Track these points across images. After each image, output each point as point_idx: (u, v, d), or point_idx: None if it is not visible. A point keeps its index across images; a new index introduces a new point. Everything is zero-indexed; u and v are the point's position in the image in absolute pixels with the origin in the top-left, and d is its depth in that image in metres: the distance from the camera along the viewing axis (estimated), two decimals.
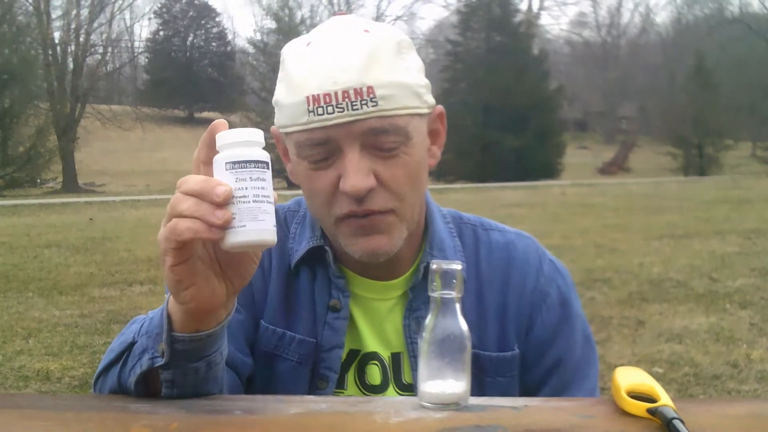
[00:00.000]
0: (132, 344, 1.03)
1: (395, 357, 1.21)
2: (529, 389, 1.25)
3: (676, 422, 0.86)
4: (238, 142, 0.88)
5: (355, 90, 1.05)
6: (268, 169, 0.89)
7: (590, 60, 57.18)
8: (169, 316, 0.97)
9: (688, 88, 39.85)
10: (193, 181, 0.88)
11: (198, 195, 0.86)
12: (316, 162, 1.11)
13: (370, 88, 1.06)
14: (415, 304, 1.21)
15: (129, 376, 1.01)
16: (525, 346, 1.24)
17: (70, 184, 28.43)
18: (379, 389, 1.21)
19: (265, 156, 0.89)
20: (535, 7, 57.02)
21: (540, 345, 1.24)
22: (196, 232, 0.86)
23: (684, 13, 63.06)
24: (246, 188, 0.86)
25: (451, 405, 0.94)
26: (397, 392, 1.21)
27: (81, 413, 0.96)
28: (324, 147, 1.09)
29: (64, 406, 1.00)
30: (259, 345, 1.20)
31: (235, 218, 0.86)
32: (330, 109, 1.06)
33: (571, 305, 1.27)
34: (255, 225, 0.86)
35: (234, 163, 0.87)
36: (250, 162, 0.87)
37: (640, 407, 0.92)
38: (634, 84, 53.99)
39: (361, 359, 1.21)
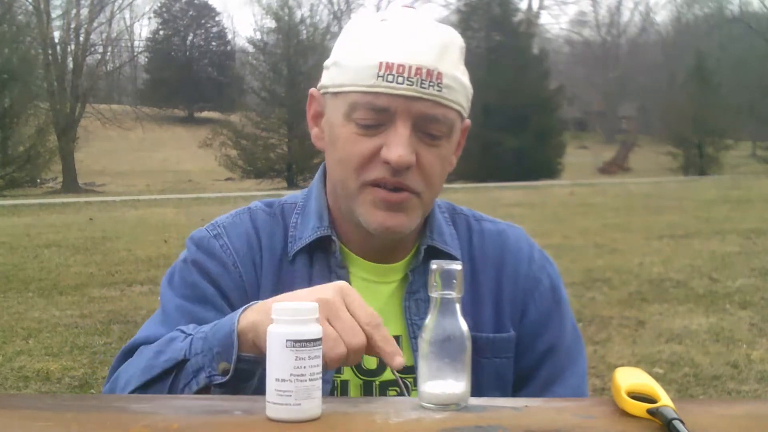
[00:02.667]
0: (182, 362, 1.06)
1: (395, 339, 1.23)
2: (523, 375, 1.27)
3: (676, 423, 0.86)
4: (299, 319, 0.91)
5: (428, 70, 1.12)
6: (321, 344, 0.93)
7: (590, 59, 57.14)
8: (238, 336, 1.02)
9: (688, 88, 39.88)
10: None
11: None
12: (365, 126, 1.15)
13: (440, 74, 1.12)
14: (415, 286, 1.24)
15: (180, 392, 1.06)
16: (519, 330, 1.27)
17: (70, 184, 28.43)
18: (375, 373, 1.22)
19: (321, 331, 0.92)
20: (535, 6, 57.13)
21: (533, 329, 1.27)
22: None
23: (684, 12, 63.07)
24: (304, 367, 0.90)
25: (451, 405, 0.95)
26: (394, 375, 1.22)
27: (81, 413, 0.96)
28: (379, 114, 1.13)
29: (64, 406, 1.00)
30: None
31: (291, 396, 0.90)
32: (400, 79, 1.11)
33: (561, 293, 1.31)
34: (309, 404, 0.90)
35: (295, 341, 0.90)
36: (309, 341, 0.90)
37: (640, 408, 0.92)
38: (634, 84, 53.99)
39: None
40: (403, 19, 1.17)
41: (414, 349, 1.21)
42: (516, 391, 1.27)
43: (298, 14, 35.58)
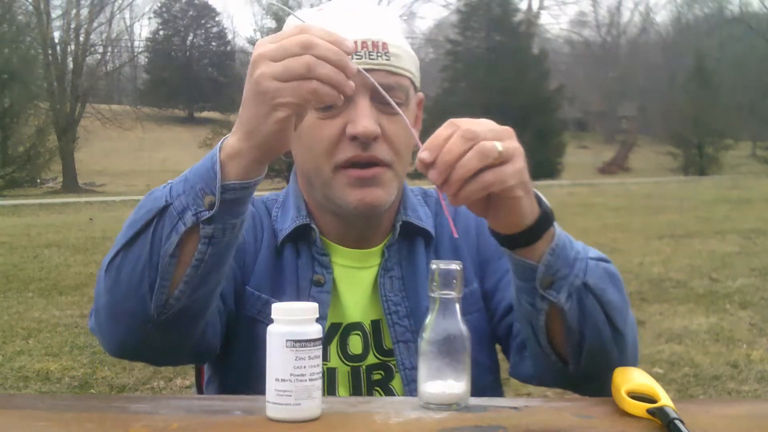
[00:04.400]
0: (164, 207, 1.01)
1: (375, 324, 1.25)
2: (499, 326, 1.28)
3: (677, 422, 0.86)
4: (299, 319, 0.92)
5: (373, 42, 1.15)
6: (321, 343, 0.93)
7: (590, 60, 57.10)
8: (221, 166, 0.99)
9: (688, 88, 39.85)
10: (328, 49, 0.93)
11: (335, 64, 0.93)
12: (324, 110, 1.16)
13: (384, 44, 1.16)
14: (390, 263, 1.26)
15: (166, 240, 1.00)
16: (485, 281, 1.29)
17: (70, 184, 28.41)
18: (360, 358, 1.24)
19: (321, 331, 0.93)
20: (535, 6, 57.00)
21: (496, 274, 1.28)
22: (334, 98, 0.94)
23: (684, 12, 62.96)
24: (304, 367, 0.90)
25: (452, 405, 0.95)
26: (377, 357, 1.24)
27: (81, 413, 0.96)
28: None
29: (64, 406, 1.00)
30: (243, 310, 1.23)
31: (291, 395, 0.90)
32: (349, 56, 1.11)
33: None
34: (309, 403, 0.91)
35: (295, 341, 0.90)
36: (309, 341, 0.91)
37: (640, 408, 0.92)
38: (634, 84, 53.97)
39: (342, 331, 1.24)
40: (338, 5, 1.22)
41: (394, 330, 1.23)
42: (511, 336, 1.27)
43: None
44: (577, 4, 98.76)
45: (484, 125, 0.96)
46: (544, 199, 1.04)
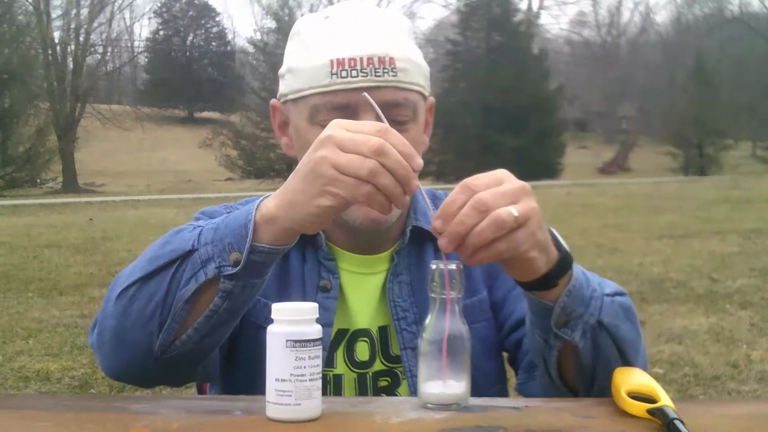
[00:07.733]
0: (189, 252, 1.00)
1: (382, 330, 1.24)
2: (510, 341, 1.27)
3: (677, 423, 0.86)
4: (299, 319, 0.91)
5: (378, 58, 1.12)
6: (321, 343, 0.93)
7: (590, 60, 57.06)
8: (254, 227, 0.97)
9: (688, 88, 39.86)
10: (397, 161, 0.90)
11: (398, 178, 0.91)
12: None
13: (391, 59, 1.13)
14: (399, 268, 1.24)
15: (184, 285, 1.00)
16: (493, 291, 1.27)
17: (70, 184, 28.42)
18: (367, 365, 1.23)
19: (321, 331, 0.92)
20: (535, 6, 56.97)
21: (506, 285, 1.26)
22: (385, 208, 0.92)
23: (684, 12, 62.87)
24: (304, 367, 0.90)
25: (452, 405, 0.95)
26: (384, 364, 1.23)
27: (81, 413, 0.96)
28: (342, 112, 1.12)
29: (64, 406, 1.00)
30: (249, 316, 1.21)
31: (291, 395, 0.90)
32: (354, 72, 1.12)
33: None
34: (309, 403, 0.91)
35: (295, 341, 0.90)
36: (309, 341, 0.91)
37: (640, 408, 0.92)
38: (634, 84, 53.92)
39: (350, 338, 1.23)
40: (345, 12, 1.18)
41: (402, 337, 1.22)
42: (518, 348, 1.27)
43: (298, 14, 35.57)
44: (577, 4, 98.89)
45: (498, 191, 0.93)
46: (563, 242, 1.00)
